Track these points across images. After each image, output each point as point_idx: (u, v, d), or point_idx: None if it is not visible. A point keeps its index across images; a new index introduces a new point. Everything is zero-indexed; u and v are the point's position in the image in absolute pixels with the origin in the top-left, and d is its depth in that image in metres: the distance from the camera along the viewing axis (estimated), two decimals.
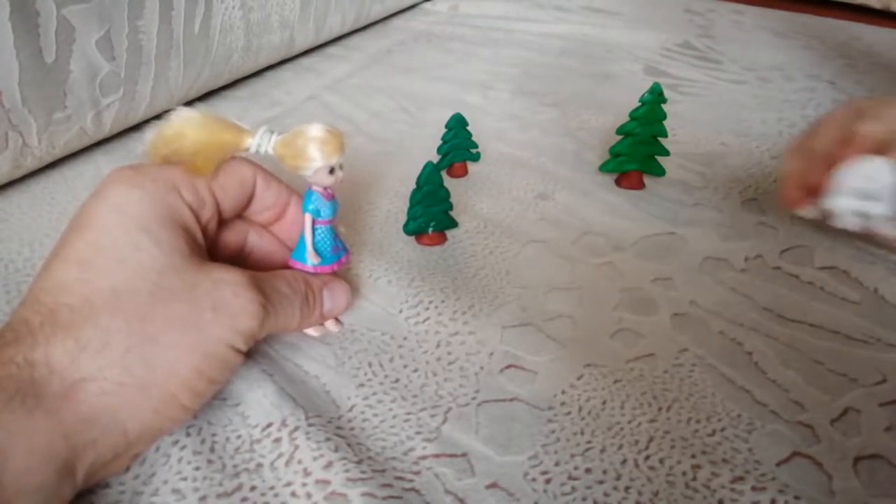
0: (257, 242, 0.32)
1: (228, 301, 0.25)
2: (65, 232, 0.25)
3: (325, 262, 0.31)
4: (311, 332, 0.32)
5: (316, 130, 0.27)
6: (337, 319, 0.33)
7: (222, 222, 0.30)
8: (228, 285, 0.25)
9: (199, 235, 0.27)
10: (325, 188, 0.29)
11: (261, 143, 0.28)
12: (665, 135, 0.46)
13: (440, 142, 0.48)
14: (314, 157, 0.27)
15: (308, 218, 0.30)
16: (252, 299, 0.25)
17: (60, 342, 0.22)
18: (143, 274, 0.24)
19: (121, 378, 0.22)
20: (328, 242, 0.31)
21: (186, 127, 0.27)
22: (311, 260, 0.30)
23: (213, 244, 0.30)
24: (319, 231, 0.30)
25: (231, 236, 0.31)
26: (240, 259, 0.32)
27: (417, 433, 0.28)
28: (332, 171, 0.28)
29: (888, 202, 0.26)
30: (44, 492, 0.21)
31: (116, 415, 0.23)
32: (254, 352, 0.32)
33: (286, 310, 0.28)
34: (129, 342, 0.23)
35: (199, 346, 0.24)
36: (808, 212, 0.31)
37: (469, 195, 0.46)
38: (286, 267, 0.31)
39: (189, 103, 0.58)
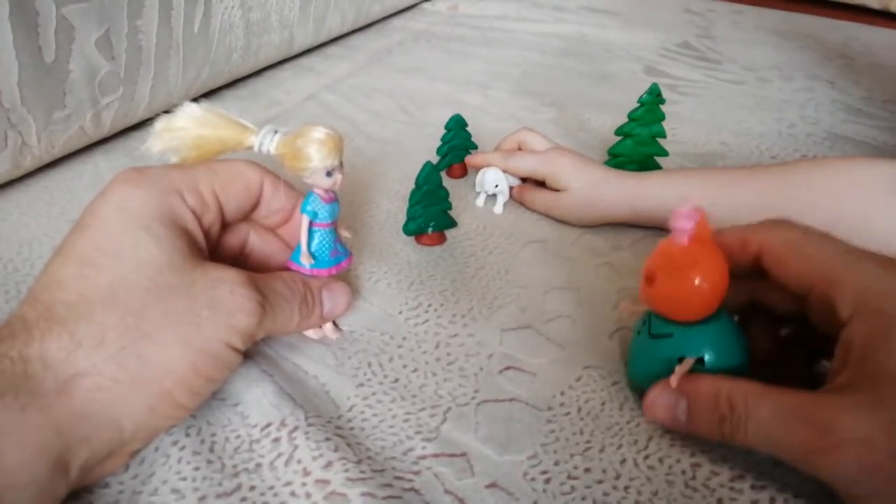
0: (257, 244, 0.32)
1: (225, 298, 0.25)
2: (69, 231, 0.25)
3: (320, 265, 0.30)
4: (310, 334, 0.32)
5: (316, 132, 0.27)
6: (336, 326, 0.33)
7: (225, 225, 0.30)
8: (226, 283, 0.25)
9: (201, 238, 0.27)
10: (326, 190, 0.29)
11: (263, 141, 0.28)
12: (664, 135, 0.46)
13: (440, 142, 0.48)
14: (310, 157, 0.27)
15: (304, 219, 0.29)
16: (249, 297, 0.25)
17: (55, 338, 0.22)
18: (141, 271, 0.24)
19: (115, 374, 0.22)
20: (327, 246, 0.31)
21: (191, 121, 0.28)
22: (303, 261, 0.30)
23: (214, 246, 0.30)
24: (319, 234, 0.30)
25: (232, 238, 0.31)
26: (239, 261, 0.32)
27: (417, 433, 0.28)
28: (329, 173, 0.28)
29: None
30: (36, 487, 0.21)
31: (110, 411, 0.23)
32: (253, 352, 0.32)
33: (284, 310, 0.28)
34: (125, 338, 0.23)
35: (194, 342, 0.24)
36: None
37: (468, 195, 0.46)
38: (285, 269, 0.31)
39: None
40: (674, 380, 0.25)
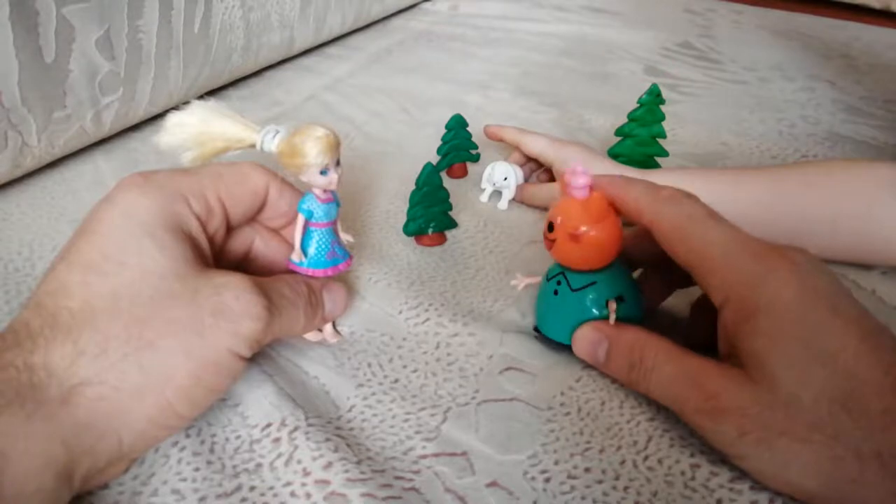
0: (262, 249, 0.32)
1: (230, 305, 0.24)
2: (73, 235, 0.25)
3: (316, 265, 0.30)
4: (310, 338, 0.32)
5: (314, 130, 0.27)
6: (335, 329, 0.33)
7: (231, 229, 0.30)
8: (230, 289, 0.25)
9: (206, 245, 0.27)
10: (324, 190, 0.29)
11: (264, 140, 0.28)
12: (664, 136, 0.46)
13: (440, 142, 0.48)
14: (305, 154, 0.27)
15: (300, 217, 0.29)
16: (255, 302, 0.25)
17: (59, 346, 0.22)
18: (144, 278, 0.24)
19: (116, 383, 0.22)
20: (324, 247, 0.30)
21: (200, 117, 0.28)
22: (293, 257, 0.30)
23: (218, 251, 0.29)
24: (316, 234, 0.30)
25: (236, 242, 0.31)
26: (244, 265, 0.32)
27: (417, 433, 0.28)
28: (324, 172, 0.28)
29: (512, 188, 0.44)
30: (42, 496, 0.21)
31: (111, 421, 0.22)
32: (254, 353, 0.32)
33: (290, 312, 0.28)
34: (127, 347, 0.23)
35: (197, 351, 0.24)
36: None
37: (469, 195, 0.46)
38: (288, 272, 0.31)
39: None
40: (612, 319, 0.29)
